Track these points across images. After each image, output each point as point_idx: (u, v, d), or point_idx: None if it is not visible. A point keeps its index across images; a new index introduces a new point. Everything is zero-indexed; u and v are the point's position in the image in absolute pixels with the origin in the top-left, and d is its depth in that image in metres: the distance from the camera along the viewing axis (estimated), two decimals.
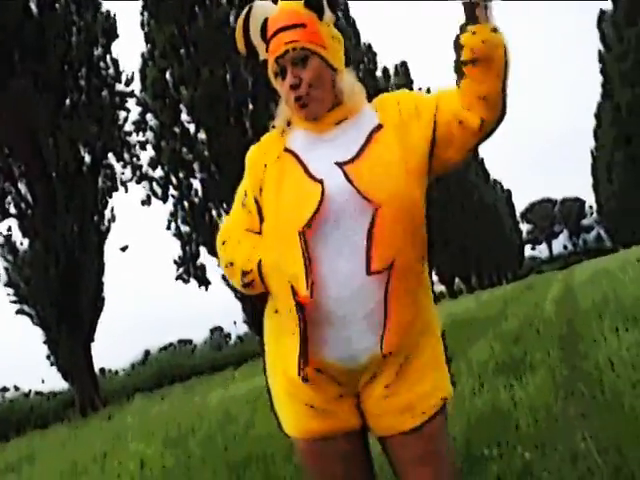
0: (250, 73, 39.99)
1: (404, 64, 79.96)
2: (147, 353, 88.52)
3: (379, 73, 68.22)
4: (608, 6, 78.30)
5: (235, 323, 79.54)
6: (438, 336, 2.60)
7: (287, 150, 2.56)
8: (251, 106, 40.68)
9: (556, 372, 7.93)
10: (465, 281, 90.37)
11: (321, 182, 2.37)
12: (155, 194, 39.59)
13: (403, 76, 78.66)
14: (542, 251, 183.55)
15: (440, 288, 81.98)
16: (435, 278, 77.90)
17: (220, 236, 2.77)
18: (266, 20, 2.58)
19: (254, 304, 39.05)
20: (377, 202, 2.32)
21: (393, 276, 2.33)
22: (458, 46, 2.50)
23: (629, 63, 71.20)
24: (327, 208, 2.35)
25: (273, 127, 2.74)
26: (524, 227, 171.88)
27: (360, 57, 63.56)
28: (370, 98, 2.70)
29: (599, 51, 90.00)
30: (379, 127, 2.50)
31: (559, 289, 22.55)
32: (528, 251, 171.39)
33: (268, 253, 2.47)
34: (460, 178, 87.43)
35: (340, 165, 2.40)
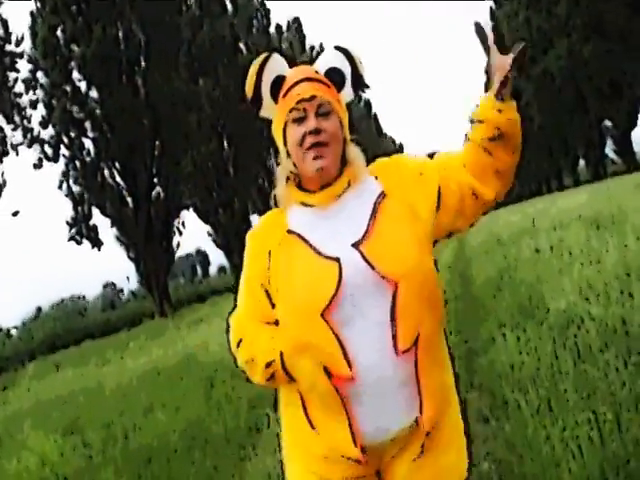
0: (142, 31, 39.64)
1: (297, 20, 79.84)
2: (39, 310, 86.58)
3: (272, 29, 67.91)
4: None
5: (128, 279, 78.90)
6: (457, 403, 2.55)
7: (290, 232, 2.46)
8: (143, 64, 40.21)
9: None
10: None
11: (338, 260, 2.31)
12: (47, 157, 38.87)
13: (295, 32, 78.58)
14: None
15: None
16: None
17: (234, 334, 2.62)
18: (278, 77, 2.51)
19: (147, 265, 38.99)
20: (395, 279, 2.27)
21: (420, 350, 2.30)
22: (477, 120, 2.49)
23: (519, 20, 71.75)
24: (346, 287, 2.28)
25: (271, 207, 2.64)
26: None
27: (253, 13, 63.31)
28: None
29: (490, 8, 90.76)
30: (382, 195, 2.45)
31: (453, 253, 22.55)
32: None
33: (290, 340, 2.37)
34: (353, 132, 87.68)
35: (355, 245, 2.32)
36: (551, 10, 64.05)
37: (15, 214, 34.67)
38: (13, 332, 53.28)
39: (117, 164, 40.22)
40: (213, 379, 10.34)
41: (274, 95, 2.50)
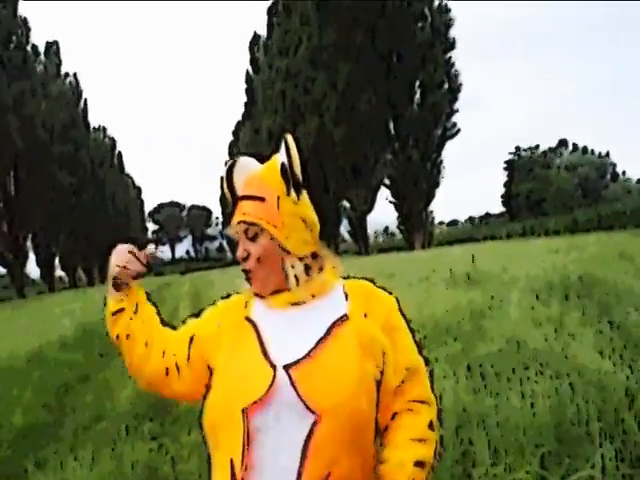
0: None
1: (55, 43, 78.94)
2: None
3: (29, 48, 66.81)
4: (263, 30, 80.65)
5: None
6: None
7: (248, 319, 2.38)
8: None
9: None
10: (87, 272, 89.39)
11: (274, 368, 2.19)
12: None
13: (52, 56, 77.56)
14: (165, 252, 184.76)
15: (61, 274, 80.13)
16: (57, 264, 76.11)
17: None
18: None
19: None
20: (319, 412, 2.13)
21: None
22: None
23: (275, 90, 73.39)
24: (274, 397, 2.17)
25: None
26: (150, 226, 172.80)
27: (14, 28, 61.80)
28: None
29: (247, 72, 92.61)
30: (343, 318, 2.31)
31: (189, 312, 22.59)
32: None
33: (213, 412, 2.27)
34: (94, 169, 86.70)
35: (288, 367, 2.19)
36: (307, 87, 66.05)
37: None
38: None
39: None
40: None
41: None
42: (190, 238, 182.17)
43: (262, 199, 2.35)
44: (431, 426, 2.33)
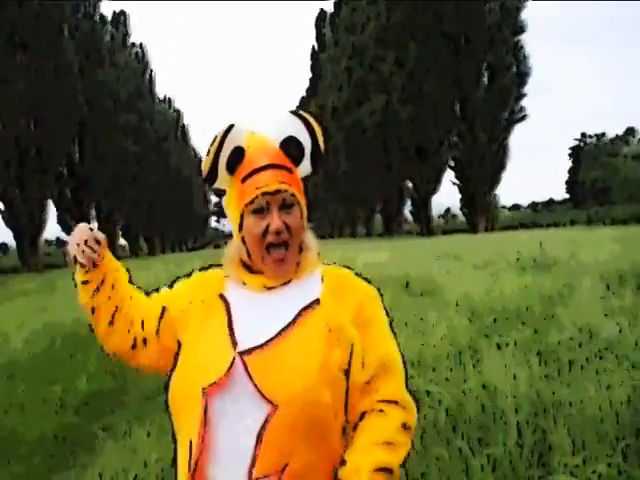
0: None
1: (123, 13, 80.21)
2: None
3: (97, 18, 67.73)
4: (329, 7, 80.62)
5: None
6: None
7: (222, 297, 2.29)
8: None
9: None
10: (148, 242, 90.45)
11: (235, 348, 2.13)
12: None
13: (120, 26, 78.43)
14: (226, 225, 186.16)
15: (122, 242, 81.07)
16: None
17: None
18: (236, 149, 2.28)
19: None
20: (275, 402, 2.04)
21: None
22: None
23: (341, 67, 73.35)
24: (232, 381, 2.09)
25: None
26: (213, 199, 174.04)
27: None
28: None
29: (313, 48, 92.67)
30: (315, 303, 2.22)
31: None
32: (212, 222, 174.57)
33: (176, 391, 2.21)
34: (159, 139, 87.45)
35: (243, 355, 2.11)
36: (374, 65, 65.84)
37: None
38: None
39: None
40: (13, 373, 9.92)
41: (230, 166, 2.28)
42: None
43: (290, 171, 2.29)
44: (403, 429, 2.19)
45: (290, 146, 2.30)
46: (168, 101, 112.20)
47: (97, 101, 63.14)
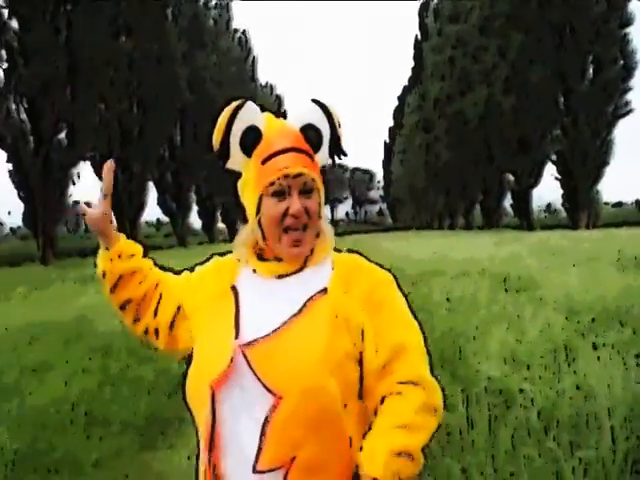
0: None
1: None
2: None
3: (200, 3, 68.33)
4: None
5: (9, 213, 77.38)
6: None
7: (233, 288, 2.29)
8: (69, 7, 39.54)
9: None
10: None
11: (240, 348, 2.11)
12: None
13: (223, 11, 78.80)
14: (325, 212, 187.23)
15: (221, 226, 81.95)
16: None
17: None
18: (251, 129, 2.29)
19: (35, 209, 38.18)
20: (278, 393, 2.02)
21: (292, 474, 2.02)
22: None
23: (444, 56, 72.83)
24: (236, 374, 2.08)
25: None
26: None
27: None
28: None
29: (416, 37, 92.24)
30: (322, 292, 2.20)
31: None
32: None
33: (189, 384, 2.21)
34: None
35: (244, 347, 2.10)
36: (477, 56, 65.20)
37: None
38: None
39: (25, 100, 39.34)
40: (109, 351, 10.09)
41: (246, 147, 2.28)
42: (350, 200, 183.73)
43: (311, 156, 2.28)
44: (423, 410, 2.11)
45: (310, 133, 2.30)
46: (270, 87, 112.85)
47: (199, 86, 63.82)
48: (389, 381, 2.13)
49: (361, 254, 2.38)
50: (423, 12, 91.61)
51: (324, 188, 2.33)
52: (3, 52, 38.76)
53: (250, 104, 2.30)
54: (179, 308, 2.40)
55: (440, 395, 2.19)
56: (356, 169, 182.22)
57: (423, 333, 2.27)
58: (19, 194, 39.59)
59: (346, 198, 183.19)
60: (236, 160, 2.31)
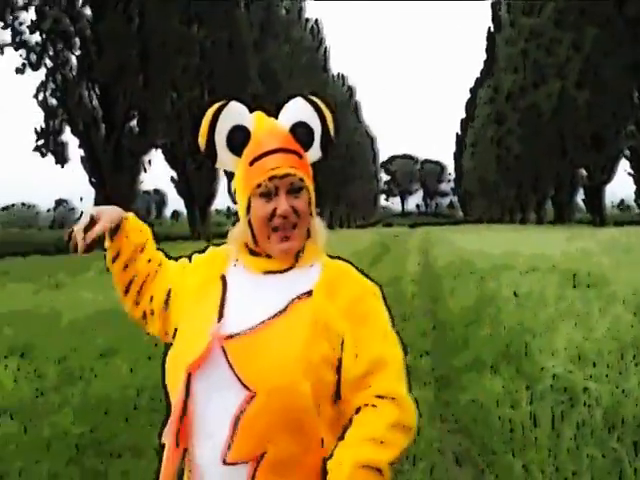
0: None
1: None
2: None
3: None
4: None
5: (82, 199, 78.57)
6: None
7: (222, 278, 2.32)
8: None
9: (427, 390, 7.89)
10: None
11: (219, 340, 2.12)
12: (30, 63, 38.41)
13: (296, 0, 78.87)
14: (395, 204, 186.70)
15: None
16: None
17: None
18: (237, 128, 2.28)
19: (106, 196, 38.68)
20: (253, 389, 2.03)
21: (262, 470, 2.03)
22: None
23: (517, 49, 72.13)
24: (212, 365, 2.10)
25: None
26: (383, 177, 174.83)
27: None
28: None
29: (489, 29, 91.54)
30: (307, 294, 2.21)
31: (418, 266, 22.78)
32: (381, 201, 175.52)
33: (167, 373, 2.23)
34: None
35: (223, 340, 2.11)
36: (551, 49, 64.45)
37: None
38: None
39: (97, 87, 39.88)
40: None
41: (235, 147, 2.28)
42: (421, 192, 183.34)
43: (300, 155, 2.27)
44: (396, 427, 2.08)
45: (300, 131, 2.30)
46: (342, 78, 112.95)
47: (270, 75, 64.04)
48: (366, 394, 2.13)
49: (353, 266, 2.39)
50: (496, 4, 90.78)
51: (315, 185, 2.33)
52: (76, 40, 39.40)
53: (234, 104, 2.30)
54: (170, 291, 2.43)
55: (414, 414, 2.18)
56: (427, 161, 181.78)
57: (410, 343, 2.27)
58: (90, 180, 40.15)
59: (417, 190, 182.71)
60: (224, 160, 2.33)
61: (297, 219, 2.22)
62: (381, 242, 42.90)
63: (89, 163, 39.72)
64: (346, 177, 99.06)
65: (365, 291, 2.28)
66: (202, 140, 2.27)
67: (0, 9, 33.96)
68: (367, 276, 2.35)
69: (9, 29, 35.77)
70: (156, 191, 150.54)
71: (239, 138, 2.27)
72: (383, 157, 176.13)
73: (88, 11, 39.27)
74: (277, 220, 2.20)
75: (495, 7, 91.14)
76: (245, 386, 2.03)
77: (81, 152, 39.81)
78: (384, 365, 2.16)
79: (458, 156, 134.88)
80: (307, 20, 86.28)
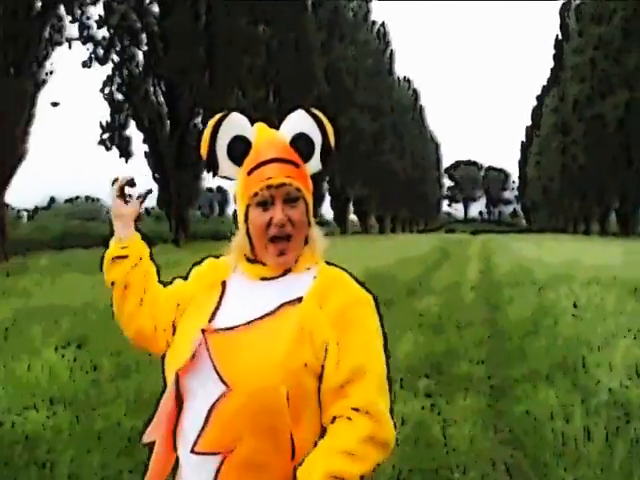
0: None
1: None
2: (52, 200, 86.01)
3: None
4: None
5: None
6: None
7: (223, 284, 2.37)
8: None
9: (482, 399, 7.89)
10: (379, 220, 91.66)
11: (203, 333, 2.16)
12: (97, 57, 38.86)
13: (363, 2, 78.71)
14: (458, 210, 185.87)
15: (353, 218, 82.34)
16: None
17: None
18: (238, 138, 2.33)
19: (169, 192, 38.99)
20: (229, 385, 2.07)
21: (228, 463, 2.07)
22: None
23: (585, 58, 71.41)
24: (199, 357, 2.14)
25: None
26: (446, 182, 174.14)
27: None
28: None
29: (556, 37, 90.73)
30: (297, 300, 2.23)
31: (478, 273, 22.68)
32: (444, 206, 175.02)
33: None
34: (396, 119, 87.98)
35: (207, 333, 2.15)
36: (619, 58, 63.70)
37: (54, 105, 34.42)
38: (23, 214, 53.28)
39: (163, 83, 40.27)
40: None
41: (236, 157, 2.33)
42: (484, 199, 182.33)
43: (297, 165, 2.31)
44: (369, 441, 2.06)
45: (300, 142, 2.34)
46: (407, 81, 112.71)
47: (336, 77, 64.08)
48: (343, 404, 2.12)
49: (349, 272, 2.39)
50: (564, 12, 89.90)
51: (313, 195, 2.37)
52: (143, 36, 39.86)
53: (235, 115, 2.35)
54: (178, 305, 2.43)
55: (391, 429, 2.17)
56: (490, 168, 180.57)
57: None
58: (154, 175, 40.52)
59: (480, 197, 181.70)
60: (225, 169, 2.36)
61: (292, 229, 2.26)
62: (441, 247, 42.68)
63: (153, 158, 40.20)
64: (411, 182, 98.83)
65: (356, 299, 2.28)
66: (203, 150, 2.33)
67: (69, 4, 34.22)
68: (362, 285, 2.35)
69: (77, 23, 36.10)
70: (219, 189, 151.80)
71: (240, 148, 2.32)
72: (447, 163, 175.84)
73: (156, 7, 39.72)
74: (273, 229, 2.24)
75: (563, 15, 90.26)
76: (223, 382, 2.07)
77: (145, 147, 40.37)
78: (363, 375, 2.15)
79: (523, 164, 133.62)
80: (373, 23, 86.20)
